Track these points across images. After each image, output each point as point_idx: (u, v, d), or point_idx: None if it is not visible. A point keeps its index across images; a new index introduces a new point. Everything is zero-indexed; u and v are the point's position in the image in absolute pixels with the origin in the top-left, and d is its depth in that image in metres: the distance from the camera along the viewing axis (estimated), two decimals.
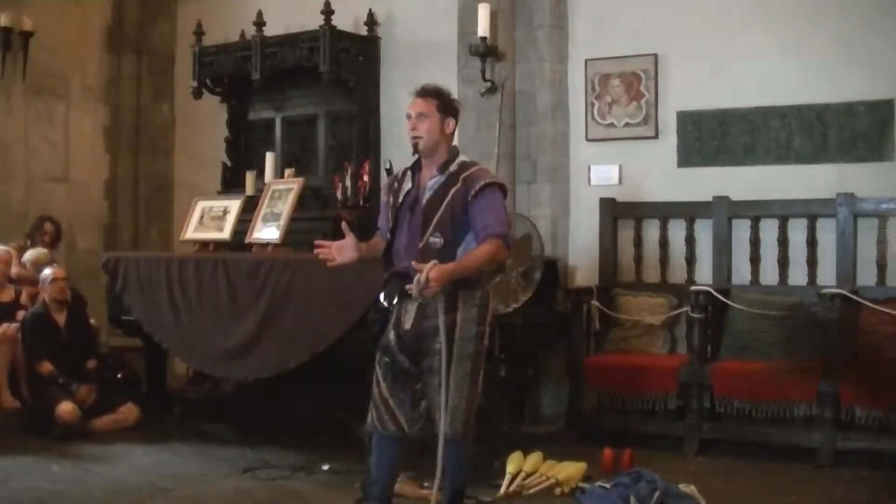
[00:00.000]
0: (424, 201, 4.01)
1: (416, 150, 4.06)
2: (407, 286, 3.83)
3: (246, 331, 5.81)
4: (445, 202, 3.96)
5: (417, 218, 4.00)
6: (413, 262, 3.82)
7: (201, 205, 7.11)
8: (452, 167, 4.03)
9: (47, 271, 6.87)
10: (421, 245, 3.94)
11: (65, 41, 8.70)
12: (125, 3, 9.11)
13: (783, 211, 6.24)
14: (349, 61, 7.50)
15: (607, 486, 4.75)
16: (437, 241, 3.94)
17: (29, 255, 7.48)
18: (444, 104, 4.06)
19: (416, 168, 4.13)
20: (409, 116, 4.07)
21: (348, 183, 7.28)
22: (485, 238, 3.91)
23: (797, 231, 6.22)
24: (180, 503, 4.93)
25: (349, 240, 4.10)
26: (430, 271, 3.75)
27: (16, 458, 5.75)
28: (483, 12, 6.60)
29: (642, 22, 6.74)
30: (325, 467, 5.45)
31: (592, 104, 6.90)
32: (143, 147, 9.14)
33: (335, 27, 7.40)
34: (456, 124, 4.13)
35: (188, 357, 6.49)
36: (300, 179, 6.95)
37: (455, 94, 4.30)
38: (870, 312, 5.72)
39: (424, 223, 3.97)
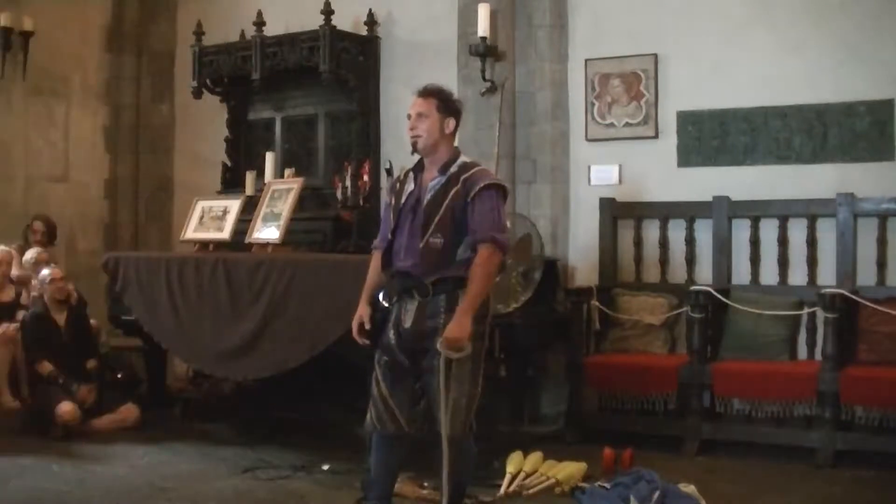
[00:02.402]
0: (425, 202, 4.01)
1: (415, 149, 4.08)
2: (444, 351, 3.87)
3: (245, 331, 5.81)
4: (446, 203, 3.97)
5: (419, 219, 4.00)
6: (438, 346, 3.85)
7: (201, 205, 7.11)
8: (453, 168, 4.04)
9: (45, 272, 6.86)
10: (421, 245, 3.95)
11: (65, 41, 8.69)
12: (125, 3, 9.10)
13: (783, 211, 6.24)
14: (349, 61, 7.50)
15: (607, 486, 4.75)
16: (437, 241, 3.95)
17: (29, 255, 7.48)
18: (443, 104, 4.08)
19: (418, 169, 4.14)
20: (409, 116, 4.09)
21: (348, 183, 7.27)
22: (474, 243, 3.92)
23: (797, 231, 6.23)
24: (180, 503, 4.93)
25: (363, 309, 4.16)
26: (449, 342, 3.82)
27: (16, 458, 5.73)
28: (483, 12, 6.61)
29: (642, 22, 6.74)
30: (325, 467, 5.45)
31: (592, 104, 6.90)
32: (143, 147, 9.14)
33: (335, 27, 7.39)
34: (457, 124, 4.14)
35: (188, 357, 6.49)
36: (300, 179, 6.95)
37: (455, 94, 4.30)
38: (870, 312, 5.72)
39: (425, 224, 3.97)
